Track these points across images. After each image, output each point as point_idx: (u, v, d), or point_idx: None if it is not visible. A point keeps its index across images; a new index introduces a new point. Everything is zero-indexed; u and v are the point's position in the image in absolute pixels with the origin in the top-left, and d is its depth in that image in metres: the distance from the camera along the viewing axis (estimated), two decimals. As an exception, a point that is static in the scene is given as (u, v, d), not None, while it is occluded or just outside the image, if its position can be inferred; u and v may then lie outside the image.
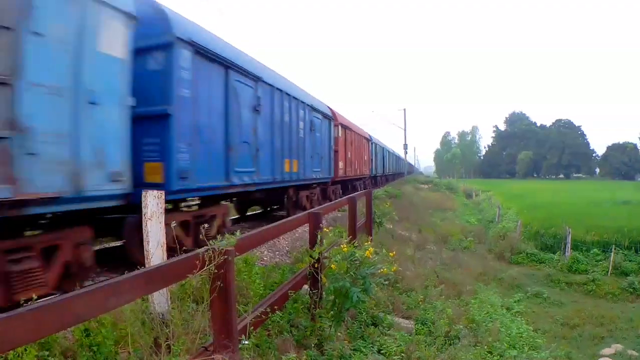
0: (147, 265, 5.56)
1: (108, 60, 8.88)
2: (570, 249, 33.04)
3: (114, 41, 9.10)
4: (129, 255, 9.83)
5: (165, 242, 5.73)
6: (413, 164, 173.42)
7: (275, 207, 23.68)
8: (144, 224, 5.64)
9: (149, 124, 10.74)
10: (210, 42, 12.74)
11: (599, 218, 39.47)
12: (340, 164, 29.70)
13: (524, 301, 22.80)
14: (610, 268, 30.09)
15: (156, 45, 10.88)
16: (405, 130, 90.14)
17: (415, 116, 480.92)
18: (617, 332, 20.80)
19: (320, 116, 24.48)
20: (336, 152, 28.36)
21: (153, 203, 5.67)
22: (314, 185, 23.98)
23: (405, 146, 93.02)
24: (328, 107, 27.27)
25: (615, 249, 31.56)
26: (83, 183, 7.88)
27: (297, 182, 20.30)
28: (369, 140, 43.18)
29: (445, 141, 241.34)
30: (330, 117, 26.94)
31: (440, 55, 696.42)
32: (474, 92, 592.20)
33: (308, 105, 22.15)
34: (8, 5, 6.54)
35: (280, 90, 18.21)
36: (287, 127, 19.00)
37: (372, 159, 45.66)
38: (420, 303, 11.60)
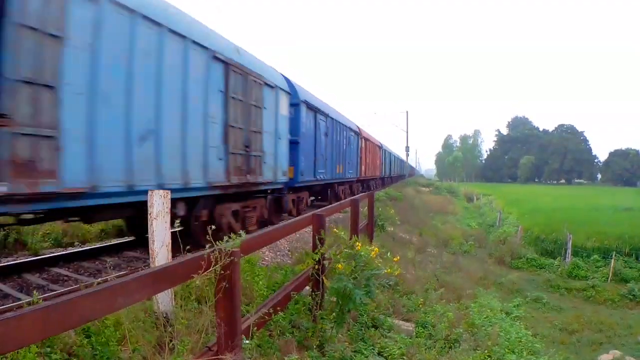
0: (151, 265, 5.61)
1: (282, 117, 18.47)
2: (571, 254, 33.08)
3: (284, 106, 18.64)
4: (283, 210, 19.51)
5: (170, 242, 5.82)
6: (414, 166, 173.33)
7: (319, 197, 29.75)
8: (149, 224, 5.68)
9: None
10: (311, 99, 23.37)
11: (600, 224, 39.51)
12: (362, 167, 39.52)
13: (524, 306, 22.78)
14: (610, 274, 30.20)
15: (292, 104, 20.17)
16: (407, 132, 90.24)
17: (417, 118, 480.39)
18: (615, 339, 20.84)
19: (352, 133, 35.54)
20: (360, 158, 37.97)
21: (159, 202, 5.69)
22: (347, 182, 34.18)
23: (407, 149, 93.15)
24: (357, 125, 38.58)
25: (615, 255, 31.66)
26: (277, 176, 17.72)
27: (341, 179, 31.11)
28: (380, 147, 52.74)
29: (447, 144, 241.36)
30: (358, 133, 37.91)
31: (444, 57, 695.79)
32: (476, 96, 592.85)
33: (347, 127, 32.81)
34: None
35: (336, 121, 29.01)
36: (337, 143, 29.28)
37: (382, 163, 55.92)
38: (421, 306, 11.63)
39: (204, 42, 12.46)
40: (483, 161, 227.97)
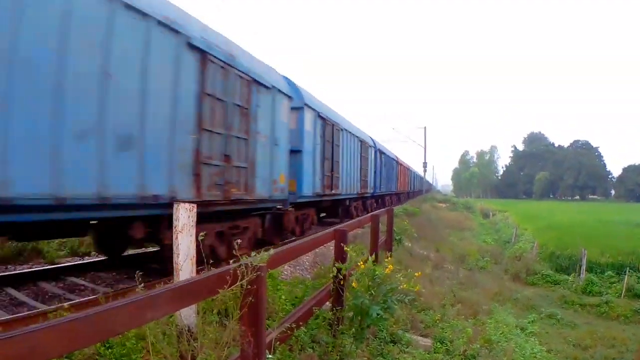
0: (175, 278, 5.59)
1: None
2: (585, 270, 32.99)
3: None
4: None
5: (195, 255, 5.77)
6: (431, 182, 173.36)
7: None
8: (174, 237, 5.67)
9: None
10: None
11: (613, 240, 39.63)
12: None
13: (538, 322, 22.70)
14: (624, 290, 30.15)
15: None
16: (425, 148, 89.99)
17: (434, 134, 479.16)
18: (627, 354, 20.71)
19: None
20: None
21: (184, 216, 5.67)
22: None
23: (425, 164, 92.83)
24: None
25: (629, 271, 31.66)
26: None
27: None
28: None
29: (464, 160, 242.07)
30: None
31: (460, 74, 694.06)
32: (493, 112, 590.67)
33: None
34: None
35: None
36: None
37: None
38: (438, 322, 11.61)
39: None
40: (499, 177, 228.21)
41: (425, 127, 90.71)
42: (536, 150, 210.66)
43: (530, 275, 34.42)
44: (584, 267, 33.18)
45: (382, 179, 40.43)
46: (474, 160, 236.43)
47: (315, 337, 7.77)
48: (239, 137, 13.00)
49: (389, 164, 45.54)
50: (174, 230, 5.64)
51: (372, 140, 36.43)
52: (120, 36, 8.71)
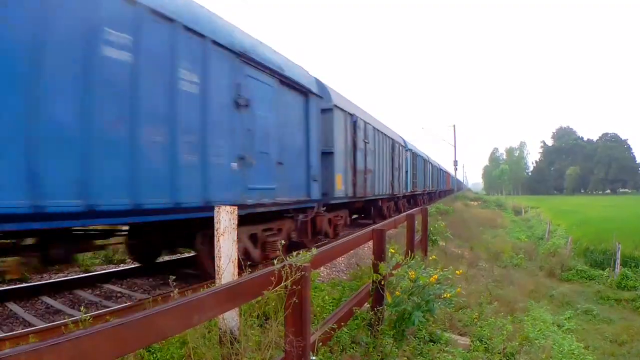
0: (217, 281, 5.59)
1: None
2: (620, 265, 32.69)
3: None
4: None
5: (237, 257, 5.77)
6: (462, 180, 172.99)
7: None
8: (215, 240, 5.66)
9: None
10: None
11: (647, 233, 38.91)
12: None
13: (575, 318, 22.56)
14: (659, 284, 29.70)
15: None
16: (455, 146, 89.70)
17: (463, 132, 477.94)
18: (664, 349, 20.51)
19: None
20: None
21: (225, 219, 5.67)
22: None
23: (455, 162, 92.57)
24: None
25: (664, 264, 31.24)
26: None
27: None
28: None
29: (494, 157, 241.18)
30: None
31: (488, 71, 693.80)
32: (521, 107, 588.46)
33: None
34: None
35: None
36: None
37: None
38: (476, 320, 11.53)
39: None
40: (529, 173, 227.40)
41: (454, 126, 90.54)
42: (565, 145, 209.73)
43: (565, 271, 34.14)
44: (618, 261, 32.85)
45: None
46: (504, 157, 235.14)
47: (355, 338, 7.75)
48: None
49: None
50: (215, 233, 5.65)
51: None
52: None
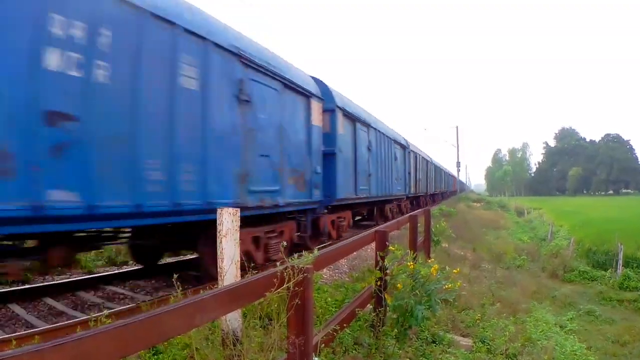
0: (219, 283, 5.60)
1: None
2: (622, 265, 32.72)
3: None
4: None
5: (239, 260, 5.80)
6: (465, 181, 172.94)
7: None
8: (218, 241, 5.68)
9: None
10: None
11: (649, 234, 38.89)
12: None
13: (577, 319, 22.56)
14: (661, 284, 29.77)
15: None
16: (457, 147, 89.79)
17: (466, 133, 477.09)
18: (666, 349, 20.53)
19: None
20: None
21: (228, 220, 5.68)
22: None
23: (458, 164, 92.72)
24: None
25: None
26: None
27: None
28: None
29: (497, 158, 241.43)
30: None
31: (491, 72, 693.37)
32: (524, 109, 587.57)
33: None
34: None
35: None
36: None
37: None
38: (478, 321, 11.54)
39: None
40: (532, 174, 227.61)
41: (457, 127, 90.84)
42: (568, 146, 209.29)
43: (568, 272, 34.23)
44: (620, 262, 33.02)
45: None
46: (507, 158, 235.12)
47: (357, 339, 7.76)
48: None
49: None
50: (218, 235, 5.67)
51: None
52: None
